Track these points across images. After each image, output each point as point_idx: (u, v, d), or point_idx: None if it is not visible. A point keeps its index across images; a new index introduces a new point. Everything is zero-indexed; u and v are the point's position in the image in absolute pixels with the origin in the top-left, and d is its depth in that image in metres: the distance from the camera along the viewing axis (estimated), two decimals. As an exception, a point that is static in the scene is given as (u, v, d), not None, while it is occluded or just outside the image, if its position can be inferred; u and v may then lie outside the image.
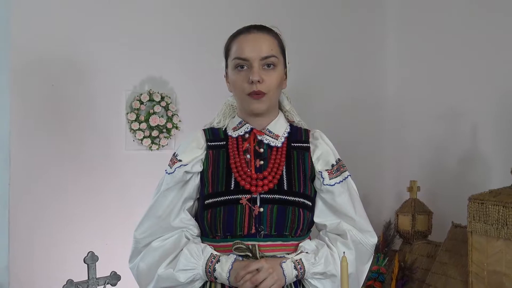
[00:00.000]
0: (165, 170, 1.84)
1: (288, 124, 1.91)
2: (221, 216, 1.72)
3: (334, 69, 3.66)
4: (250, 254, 1.70)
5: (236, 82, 1.78)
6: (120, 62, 2.98)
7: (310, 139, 1.89)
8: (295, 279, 1.72)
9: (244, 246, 1.70)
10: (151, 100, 3.01)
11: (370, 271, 3.13)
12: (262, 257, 1.71)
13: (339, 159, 1.88)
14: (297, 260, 1.71)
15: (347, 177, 1.86)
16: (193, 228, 1.82)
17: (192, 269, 1.72)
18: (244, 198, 1.74)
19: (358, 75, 3.74)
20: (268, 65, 1.76)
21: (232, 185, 1.76)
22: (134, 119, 2.97)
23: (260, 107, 1.78)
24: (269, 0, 3.42)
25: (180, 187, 1.81)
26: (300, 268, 1.70)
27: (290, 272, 1.69)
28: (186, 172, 1.80)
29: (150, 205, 1.83)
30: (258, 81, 1.73)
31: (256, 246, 1.71)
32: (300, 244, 1.78)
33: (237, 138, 1.84)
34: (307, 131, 1.92)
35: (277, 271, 1.67)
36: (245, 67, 1.76)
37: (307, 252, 1.74)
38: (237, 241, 1.70)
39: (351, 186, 1.87)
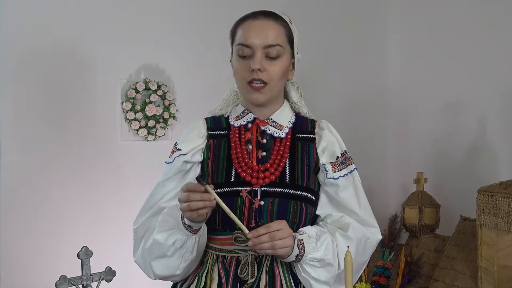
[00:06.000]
0: (165, 161, 1.82)
1: (294, 114, 1.87)
2: (220, 208, 1.67)
3: (337, 62, 3.70)
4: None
5: (237, 70, 1.76)
6: (115, 50, 2.96)
7: (316, 130, 1.85)
8: (294, 259, 1.66)
9: (244, 238, 1.65)
10: (147, 89, 3.00)
11: (375, 266, 3.20)
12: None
13: (345, 151, 1.84)
14: (299, 240, 1.65)
15: (353, 170, 1.82)
16: None
17: (170, 229, 1.67)
18: (244, 190, 1.71)
19: (361, 68, 3.78)
20: (272, 55, 1.72)
21: (233, 177, 1.74)
22: (129, 108, 2.96)
23: (259, 98, 1.75)
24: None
25: (181, 177, 1.78)
26: (301, 249, 1.64)
27: (295, 248, 1.63)
28: (186, 161, 1.78)
29: (147, 196, 1.81)
30: (259, 69, 1.70)
31: None
32: (300, 228, 1.73)
33: (239, 127, 1.81)
34: (313, 122, 1.87)
35: (290, 239, 1.62)
36: (248, 56, 1.72)
37: (308, 236, 1.70)
38: (238, 231, 1.67)
39: (356, 180, 1.83)
